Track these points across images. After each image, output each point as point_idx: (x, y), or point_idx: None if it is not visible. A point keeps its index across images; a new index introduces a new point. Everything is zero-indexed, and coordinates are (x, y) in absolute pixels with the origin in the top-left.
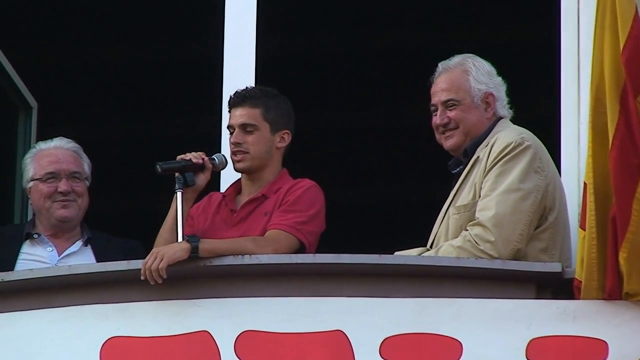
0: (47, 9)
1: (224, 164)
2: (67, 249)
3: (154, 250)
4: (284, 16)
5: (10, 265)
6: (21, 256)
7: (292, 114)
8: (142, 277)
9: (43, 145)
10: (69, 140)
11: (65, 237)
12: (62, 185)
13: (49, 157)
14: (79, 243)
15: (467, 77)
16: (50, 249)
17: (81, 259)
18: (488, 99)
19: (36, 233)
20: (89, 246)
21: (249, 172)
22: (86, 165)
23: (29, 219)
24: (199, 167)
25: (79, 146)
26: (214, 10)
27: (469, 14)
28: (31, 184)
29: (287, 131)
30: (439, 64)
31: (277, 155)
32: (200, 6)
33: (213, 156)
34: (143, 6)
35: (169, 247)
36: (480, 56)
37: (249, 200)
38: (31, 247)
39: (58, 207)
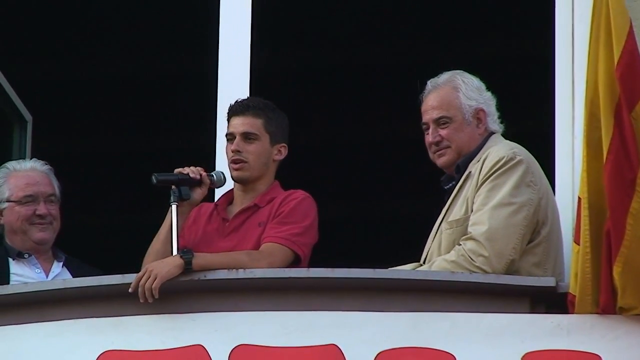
0: (42, 23)
1: (222, 182)
2: (50, 270)
3: (148, 266)
4: (279, 30)
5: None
6: (13, 277)
7: (288, 128)
8: (130, 290)
9: (17, 165)
10: (43, 162)
11: (42, 259)
12: (41, 209)
13: (26, 179)
14: (60, 264)
15: (457, 94)
16: (39, 270)
17: None
18: (479, 115)
19: (27, 253)
20: (65, 268)
21: (245, 183)
22: (57, 187)
23: None
24: (196, 182)
25: (51, 167)
26: (209, 24)
27: (463, 29)
28: (5, 205)
29: (284, 145)
30: (428, 82)
31: (272, 168)
32: (194, 20)
33: (212, 173)
34: (137, 20)
35: (163, 265)
36: (475, 71)
37: (242, 210)
38: (20, 267)
39: (36, 230)
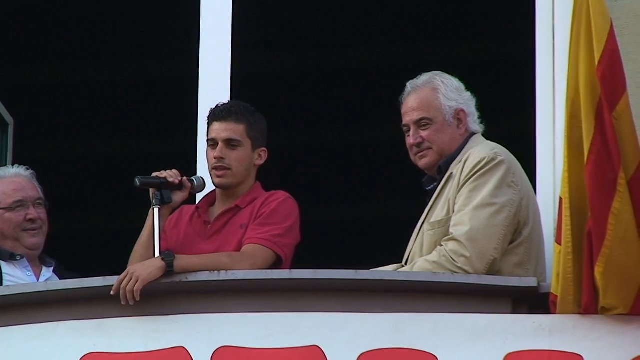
0: (24, 27)
1: (202, 187)
2: (40, 274)
3: (129, 269)
4: (259, 34)
5: None
6: (5, 277)
7: (267, 131)
8: (112, 292)
9: (0, 172)
10: (25, 167)
11: (31, 263)
12: (32, 213)
13: (13, 185)
14: (50, 269)
15: (437, 95)
16: (29, 273)
17: None
18: (459, 115)
19: (19, 255)
20: (54, 274)
21: (228, 189)
22: (41, 192)
23: None
24: (178, 186)
25: (33, 172)
26: (189, 28)
27: (444, 30)
28: None
29: (264, 149)
30: (407, 84)
31: (253, 172)
32: (175, 24)
33: (192, 178)
34: (119, 24)
35: (144, 267)
36: (456, 72)
37: (223, 211)
38: (12, 269)
39: (28, 236)
